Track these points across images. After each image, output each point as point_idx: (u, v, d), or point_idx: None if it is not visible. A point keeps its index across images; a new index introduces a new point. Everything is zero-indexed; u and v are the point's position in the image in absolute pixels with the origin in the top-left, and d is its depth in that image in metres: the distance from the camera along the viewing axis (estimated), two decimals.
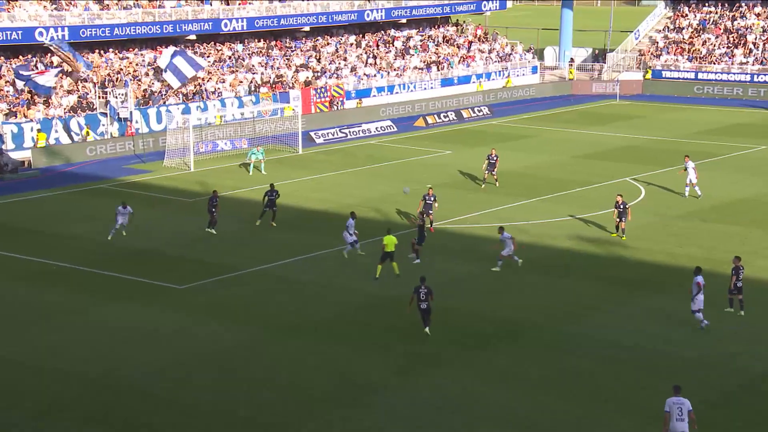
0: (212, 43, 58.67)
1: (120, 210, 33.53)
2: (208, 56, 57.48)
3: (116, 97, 49.59)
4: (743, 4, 70.82)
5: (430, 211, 33.69)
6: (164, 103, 51.67)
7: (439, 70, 64.72)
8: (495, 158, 40.20)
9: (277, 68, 58.79)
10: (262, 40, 61.10)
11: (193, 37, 57.13)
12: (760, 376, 22.09)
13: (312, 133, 52.40)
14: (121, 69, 53.31)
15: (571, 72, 70.65)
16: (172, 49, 53.17)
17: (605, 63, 71.28)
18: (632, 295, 27.33)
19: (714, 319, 25.56)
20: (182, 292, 28.41)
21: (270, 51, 60.59)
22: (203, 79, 54.20)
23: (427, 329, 24.34)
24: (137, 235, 33.88)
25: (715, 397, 21.12)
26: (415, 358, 23.27)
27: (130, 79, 51.80)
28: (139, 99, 51.14)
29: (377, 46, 65.37)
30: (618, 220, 32.31)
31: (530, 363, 22.90)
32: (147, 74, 53.70)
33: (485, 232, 34.06)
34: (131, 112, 49.78)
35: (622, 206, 32.05)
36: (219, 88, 54.68)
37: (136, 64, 54.40)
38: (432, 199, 33.68)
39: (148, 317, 26.30)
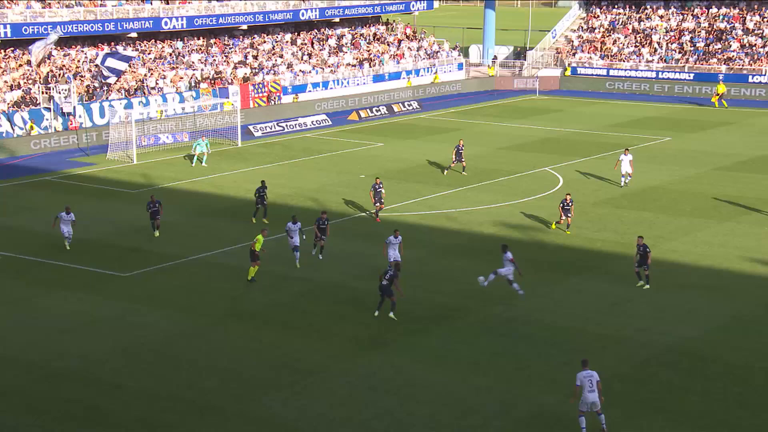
0: (153, 40, 57.48)
1: (63, 217, 29.81)
2: (149, 53, 56.32)
3: (59, 93, 48.26)
4: (648, 7, 72.21)
5: (382, 201, 33.63)
6: (107, 98, 50.49)
7: (371, 67, 64.55)
8: (462, 148, 40.60)
9: (217, 65, 57.92)
10: (201, 37, 60.09)
11: (134, 35, 55.89)
12: (665, 349, 22.59)
13: (251, 127, 51.83)
14: (64, 65, 51.88)
15: (490, 69, 71.05)
16: (101, 54, 51.78)
17: (525, 60, 71.99)
18: (555, 279, 27.63)
19: (626, 298, 26.08)
20: (125, 280, 27.85)
21: (209, 48, 59.65)
22: (145, 75, 53.08)
23: (392, 314, 24.23)
24: (81, 225, 33.06)
25: (627, 369, 21.54)
26: (353, 342, 23.19)
27: (73, 76, 50.46)
28: (82, 94, 49.86)
29: (312, 43, 64.90)
30: (562, 216, 31.89)
31: (463, 345, 22.96)
32: (90, 71, 52.37)
33: (417, 220, 34.16)
34: (74, 107, 48.52)
35: (569, 204, 31.81)
36: (160, 84, 53.64)
37: (79, 61, 53.01)
38: (380, 187, 33.61)
39: (92, 305, 25.70)
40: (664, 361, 21.96)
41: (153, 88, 52.96)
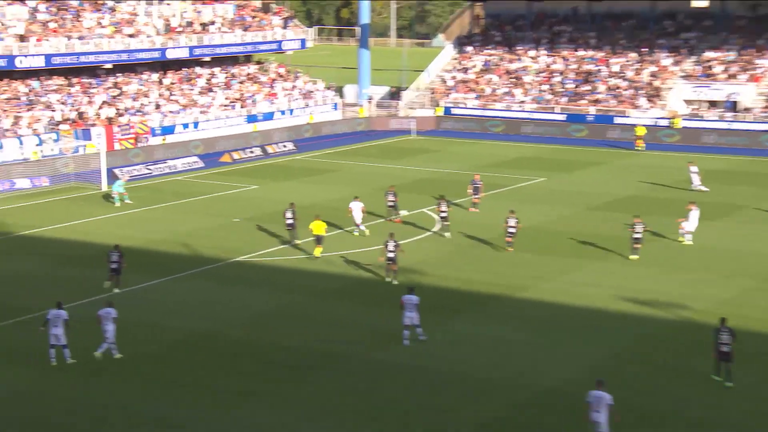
0: (5, 80, 55.44)
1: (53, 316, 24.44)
2: (3, 93, 54.29)
3: None
4: (519, 48, 75.31)
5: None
6: None
7: (243, 107, 64.40)
8: (479, 183, 42.63)
9: (78, 105, 56.38)
10: (60, 77, 58.39)
11: None
12: (545, 391, 23.26)
13: (116, 170, 50.56)
14: None
15: (361, 110, 72.02)
16: None
17: (401, 100, 73.48)
18: (434, 322, 28.02)
19: (505, 339, 26.78)
20: None
21: (70, 88, 58.03)
22: None
23: None
24: None
25: (507, 412, 22.01)
26: (227, 393, 22.82)
27: None
28: None
29: (181, 83, 64.24)
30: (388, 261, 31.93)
31: (342, 394, 22.93)
32: None
33: (295, 264, 34.10)
34: None
35: (393, 245, 31.88)
36: (15, 126, 51.72)
37: None
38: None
39: None
40: (544, 403, 22.60)
41: (7, 131, 51.01)
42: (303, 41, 73.34)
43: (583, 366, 24.74)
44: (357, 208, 37.64)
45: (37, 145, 51.15)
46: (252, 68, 70.47)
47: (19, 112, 53.06)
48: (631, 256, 34.62)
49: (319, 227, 34.17)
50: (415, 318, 25.91)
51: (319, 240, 34.17)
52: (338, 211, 42.67)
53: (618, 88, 68.31)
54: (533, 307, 29.47)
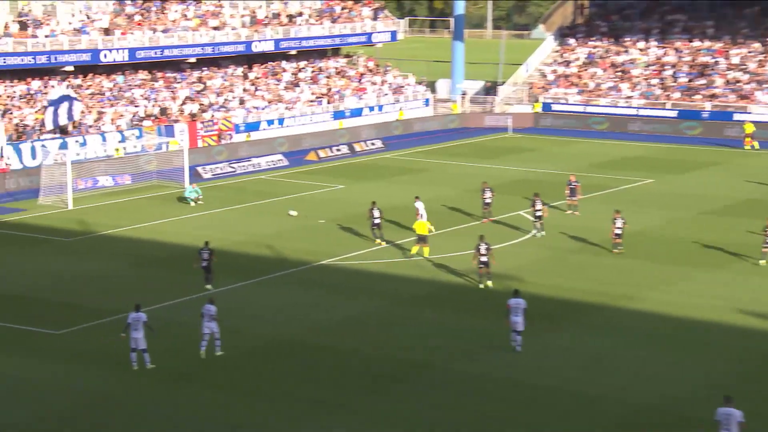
0: (90, 74, 57.34)
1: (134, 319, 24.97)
2: (86, 88, 56.18)
3: None
4: (627, 39, 73.83)
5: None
6: (39, 137, 50.14)
7: (330, 103, 65.02)
8: (575, 184, 42.03)
9: (161, 101, 57.92)
10: (144, 71, 60.08)
11: (70, 68, 55.76)
12: (646, 408, 22.65)
13: (199, 168, 51.70)
14: None
15: (454, 106, 71.78)
16: (65, 90, 51.92)
17: (497, 96, 72.96)
18: (527, 331, 27.67)
19: (605, 353, 26.24)
20: (58, 339, 27.45)
21: (153, 83, 59.67)
22: (82, 112, 52.83)
23: None
24: (10, 278, 32.59)
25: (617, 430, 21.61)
26: (309, 404, 22.98)
27: (1, 113, 50.08)
28: (11, 134, 49.47)
29: (266, 77, 65.29)
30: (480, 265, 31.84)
31: (425, 407, 22.81)
32: (19, 108, 52.03)
33: (383, 268, 34.19)
34: (2, 148, 48.10)
35: (485, 248, 31.82)
36: (99, 122, 53.44)
37: (7, 97, 52.68)
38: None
39: (21, 367, 25.24)
40: (645, 421, 22.02)
41: (91, 127, 52.76)
42: (394, 33, 73.57)
43: (698, 383, 24.02)
44: (421, 208, 37.89)
45: (120, 141, 52.73)
46: (340, 62, 71.09)
47: (102, 108, 54.80)
48: (761, 261, 33.62)
49: (422, 227, 34.77)
50: (519, 323, 25.68)
51: (422, 239, 34.68)
52: (427, 212, 42.55)
53: (738, 81, 66.24)
54: (639, 319, 28.80)
